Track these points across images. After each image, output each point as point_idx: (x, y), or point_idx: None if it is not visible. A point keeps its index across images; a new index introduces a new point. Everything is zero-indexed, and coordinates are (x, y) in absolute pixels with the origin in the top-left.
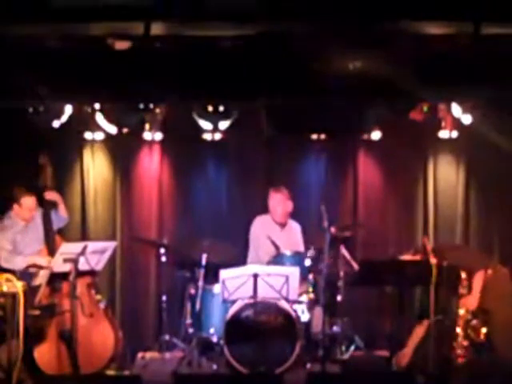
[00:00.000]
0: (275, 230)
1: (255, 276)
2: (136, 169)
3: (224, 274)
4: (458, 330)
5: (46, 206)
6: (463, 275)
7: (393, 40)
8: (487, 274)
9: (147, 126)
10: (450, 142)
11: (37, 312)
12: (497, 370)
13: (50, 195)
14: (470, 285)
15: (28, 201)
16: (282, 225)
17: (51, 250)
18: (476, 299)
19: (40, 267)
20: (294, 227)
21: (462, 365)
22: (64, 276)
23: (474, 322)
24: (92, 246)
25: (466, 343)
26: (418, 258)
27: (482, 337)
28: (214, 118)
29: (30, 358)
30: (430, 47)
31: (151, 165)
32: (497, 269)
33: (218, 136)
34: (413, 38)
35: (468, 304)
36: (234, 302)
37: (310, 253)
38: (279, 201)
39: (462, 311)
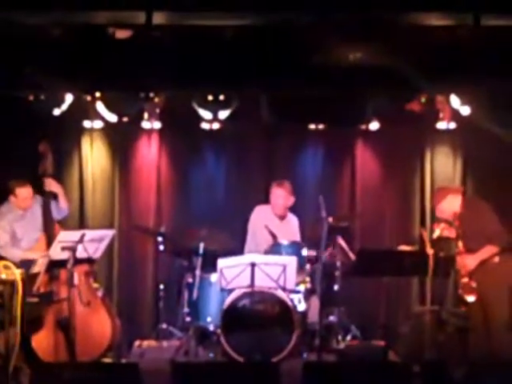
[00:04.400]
0: (274, 220)
1: (253, 265)
2: (134, 158)
3: (222, 262)
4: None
5: (46, 195)
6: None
7: (392, 31)
8: (495, 260)
9: (146, 115)
10: (447, 133)
11: (35, 300)
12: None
13: (51, 186)
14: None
15: (22, 192)
16: (281, 217)
17: (50, 238)
18: (476, 261)
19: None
20: (292, 220)
21: (458, 354)
22: (62, 264)
23: (466, 280)
24: (90, 234)
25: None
26: (414, 248)
27: (472, 297)
28: (214, 107)
29: (27, 346)
30: (429, 38)
31: (150, 154)
32: (504, 261)
33: (216, 125)
34: (412, 30)
35: (466, 263)
36: (231, 290)
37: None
38: (281, 196)
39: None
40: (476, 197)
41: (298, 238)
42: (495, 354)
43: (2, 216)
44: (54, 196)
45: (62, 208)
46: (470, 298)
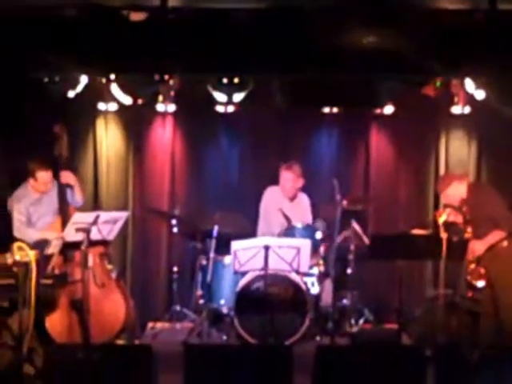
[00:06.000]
0: (284, 202)
1: (266, 248)
2: (149, 140)
3: (235, 245)
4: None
5: (62, 188)
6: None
7: (406, 15)
8: (503, 245)
9: (161, 98)
10: (462, 117)
11: (49, 281)
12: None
13: (66, 178)
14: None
15: (43, 175)
16: (292, 198)
17: (65, 221)
18: (484, 246)
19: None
20: (303, 199)
21: (470, 338)
22: (76, 245)
23: (474, 265)
24: (104, 215)
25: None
26: (428, 232)
27: (481, 283)
28: (229, 89)
29: (41, 327)
30: (444, 22)
31: (164, 136)
32: None
33: (231, 108)
34: (427, 14)
35: (475, 249)
36: (244, 273)
37: (320, 224)
38: (290, 179)
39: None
40: (482, 182)
41: (309, 217)
42: (504, 339)
43: (18, 199)
44: (70, 187)
45: (77, 200)
46: (480, 284)
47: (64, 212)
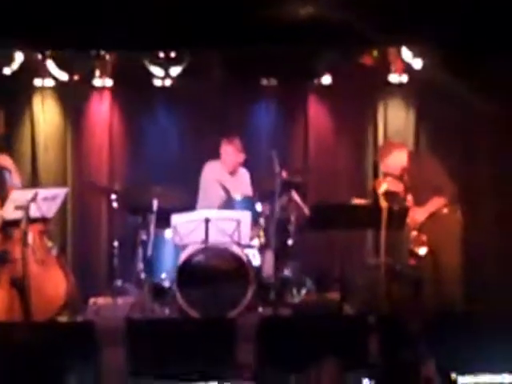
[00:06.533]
0: (225, 175)
1: (207, 221)
2: (86, 115)
3: (175, 219)
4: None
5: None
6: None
7: None
8: (443, 211)
9: (98, 73)
10: (400, 86)
11: None
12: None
13: (3, 161)
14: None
15: None
16: (232, 172)
17: (3, 200)
18: (425, 214)
19: None
20: (244, 174)
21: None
22: (16, 223)
23: (415, 233)
24: (43, 192)
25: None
26: (368, 201)
27: (423, 250)
28: (166, 64)
29: None
30: None
31: (101, 111)
32: (452, 211)
33: (168, 82)
34: None
35: (416, 216)
36: (185, 247)
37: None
38: (230, 153)
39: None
40: (421, 151)
41: (249, 191)
42: (447, 304)
43: None
44: (7, 170)
45: (14, 183)
46: (422, 251)
47: (1, 193)
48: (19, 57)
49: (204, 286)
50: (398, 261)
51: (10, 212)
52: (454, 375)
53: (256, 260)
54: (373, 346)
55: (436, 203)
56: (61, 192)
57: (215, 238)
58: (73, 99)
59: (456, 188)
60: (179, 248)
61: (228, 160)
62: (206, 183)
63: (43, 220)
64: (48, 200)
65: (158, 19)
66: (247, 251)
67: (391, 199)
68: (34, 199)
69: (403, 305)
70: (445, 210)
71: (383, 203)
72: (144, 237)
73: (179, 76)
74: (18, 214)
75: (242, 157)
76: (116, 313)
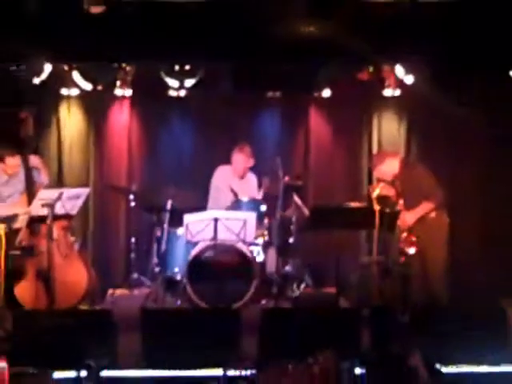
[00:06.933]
0: (234, 179)
1: (216, 220)
2: (108, 122)
3: (187, 218)
4: None
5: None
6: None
7: (342, 8)
8: (432, 215)
9: (118, 83)
10: (393, 99)
11: (17, 252)
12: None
13: (34, 161)
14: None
15: (11, 160)
16: (241, 176)
17: (31, 198)
18: (415, 217)
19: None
20: (251, 178)
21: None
22: (42, 220)
23: (405, 234)
24: (67, 192)
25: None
26: (363, 204)
27: (412, 249)
28: (180, 76)
29: (10, 294)
30: (374, 14)
31: (122, 118)
32: (440, 215)
33: (182, 93)
34: (359, 6)
35: (406, 219)
36: (196, 243)
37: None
38: (241, 161)
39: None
40: (412, 159)
41: (256, 194)
42: (433, 297)
43: None
44: (37, 170)
45: (43, 180)
46: (411, 250)
47: (31, 191)
48: (48, 68)
49: (212, 280)
50: (390, 259)
51: (37, 209)
52: (438, 365)
53: (260, 257)
54: (365, 336)
55: (425, 207)
56: (83, 192)
57: (223, 236)
58: (96, 107)
59: (443, 194)
60: (190, 244)
61: (239, 166)
62: (216, 187)
63: (67, 217)
64: (72, 199)
65: (173, 35)
66: (252, 248)
67: (384, 203)
68: (59, 198)
69: (394, 299)
70: (433, 214)
71: (376, 206)
72: (158, 234)
73: (193, 87)
74: (45, 211)
75: (251, 162)
76: (132, 303)
